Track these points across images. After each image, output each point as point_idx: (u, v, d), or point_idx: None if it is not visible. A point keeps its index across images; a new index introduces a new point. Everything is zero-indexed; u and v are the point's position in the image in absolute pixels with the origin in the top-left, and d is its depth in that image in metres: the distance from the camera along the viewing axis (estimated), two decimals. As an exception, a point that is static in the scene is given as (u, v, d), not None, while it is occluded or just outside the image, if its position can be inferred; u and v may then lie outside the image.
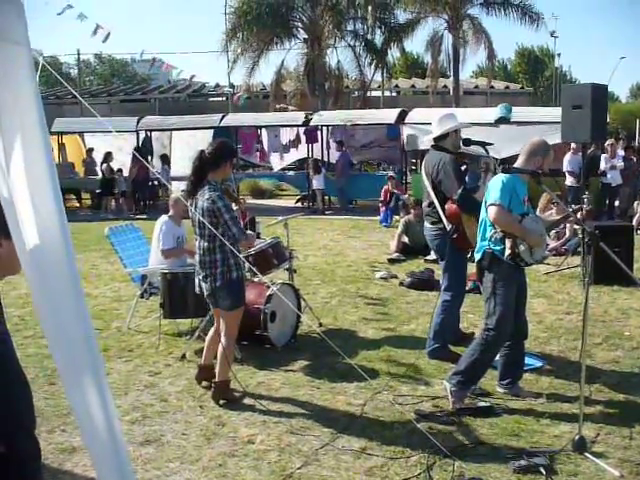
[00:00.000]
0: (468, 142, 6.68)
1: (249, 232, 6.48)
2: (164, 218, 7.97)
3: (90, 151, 24.85)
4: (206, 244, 5.87)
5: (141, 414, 5.76)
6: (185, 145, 25.14)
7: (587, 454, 4.85)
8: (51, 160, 2.03)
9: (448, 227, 6.69)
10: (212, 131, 23.27)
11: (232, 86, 36.79)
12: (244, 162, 28.30)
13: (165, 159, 23.54)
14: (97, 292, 10.03)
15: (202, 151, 5.99)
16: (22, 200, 2.03)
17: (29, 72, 1.94)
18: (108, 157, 22.40)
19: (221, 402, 5.98)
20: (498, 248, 5.59)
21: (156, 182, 23.45)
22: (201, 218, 5.74)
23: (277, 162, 26.40)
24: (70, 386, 2.37)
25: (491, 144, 6.86)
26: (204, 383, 6.33)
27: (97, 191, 22.69)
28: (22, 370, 2.92)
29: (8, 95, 1.95)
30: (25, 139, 1.98)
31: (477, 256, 5.80)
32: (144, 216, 19.73)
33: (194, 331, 7.50)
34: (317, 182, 21.35)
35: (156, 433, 5.41)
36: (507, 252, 5.53)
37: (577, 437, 4.94)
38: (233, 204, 6.43)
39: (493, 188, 5.59)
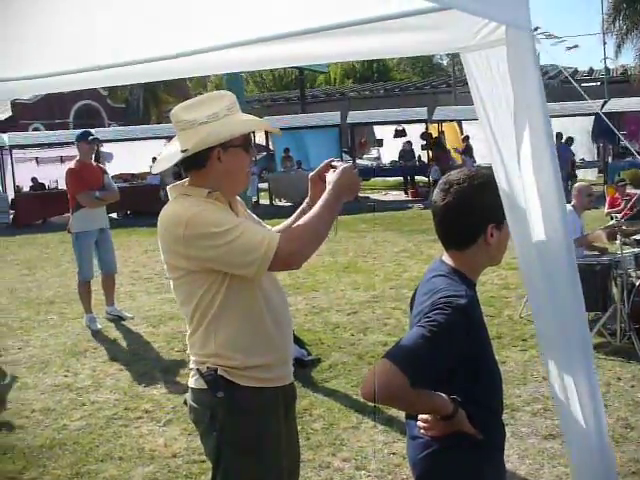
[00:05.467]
0: None
1: None
2: (568, 207, 7.81)
3: (466, 139, 25.20)
4: None
5: (542, 406, 5.69)
6: (564, 132, 24.45)
7: None
8: (553, 147, 2.02)
9: None
10: (592, 117, 22.44)
11: (608, 70, 35.02)
12: (624, 150, 26.83)
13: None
14: (485, 279, 10.09)
15: None
16: (530, 191, 2.05)
17: (533, 57, 1.95)
18: (569, 142, 22.63)
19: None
20: None
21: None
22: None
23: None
24: (559, 388, 2.34)
25: None
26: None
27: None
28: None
29: (519, 80, 1.98)
30: (531, 126, 2.00)
31: None
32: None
33: (593, 324, 7.23)
34: None
35: (560, 427, 5.30)
36: None
37: None
38: None
39: None
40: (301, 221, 2.74)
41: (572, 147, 22.81)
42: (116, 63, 3.14)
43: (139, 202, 21.06)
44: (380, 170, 26.28)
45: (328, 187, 2.74)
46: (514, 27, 1.89)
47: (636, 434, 5.22)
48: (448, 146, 26.06)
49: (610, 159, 23.63)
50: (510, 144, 2.14)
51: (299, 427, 5.42)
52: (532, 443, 5.15)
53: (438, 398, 2.27)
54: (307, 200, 3.08)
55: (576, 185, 8.15)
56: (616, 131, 5.62)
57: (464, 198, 2.33)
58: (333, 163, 2.91)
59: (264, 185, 24.14)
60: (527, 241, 2.19)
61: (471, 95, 2.51)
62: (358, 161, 26.80)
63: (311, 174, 3.04)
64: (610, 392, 5.87)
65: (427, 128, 25.73)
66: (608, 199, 13.94)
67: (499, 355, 6.94)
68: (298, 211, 3.13)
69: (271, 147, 25.88)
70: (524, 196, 2.12)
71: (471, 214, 2.35)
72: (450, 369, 2.24)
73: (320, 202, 2.72)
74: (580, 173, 23.42)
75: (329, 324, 8.44)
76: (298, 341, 7.23)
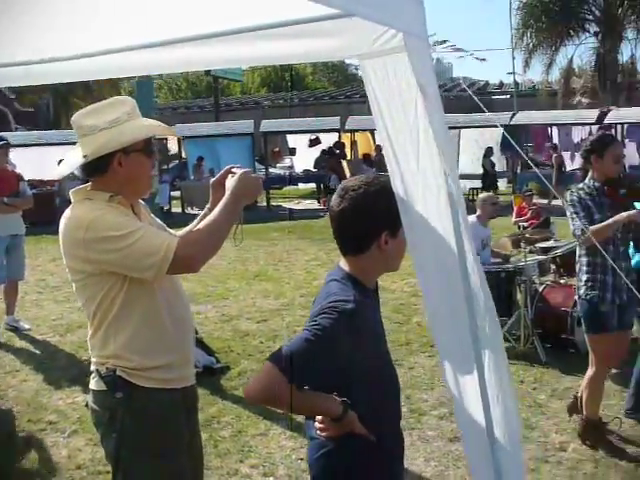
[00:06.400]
0: None
1: None
2: (471, 219, 7.95)
3: (379, 148, 25.47)
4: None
5: (448, 410, 5.79)
6: (474, 143, 25.00)
7: None
8: (454, 153, 2.06)
9: None
10: (501, 129, 23.01)
11: (517, 84, 36.08)
12: (533, 161, 27.63)
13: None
14: (395, 286, 10.24)
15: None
16: (429, 197, 2.09)
17: (430, 63, 2.00)
18: (489, 152, 23.25)
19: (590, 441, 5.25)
20: None
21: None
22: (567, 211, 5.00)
23: (568, 162, 25.42)
24: (454, 384, 2.40)
25: None
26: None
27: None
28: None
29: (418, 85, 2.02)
30: (430, 131, 2.04)
31: None
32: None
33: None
34: None
35: (464, 430, 5.41)
36: None
37: None
38: None
39: None
40: (200, 225, 2.79)
41: (491, 158, 23.36)
42: (11, 62, 3.07)
43: (38, 210, 20.39)
44: (293, 179, 26.36)
45: (227, 192, 2.78)
46: (410, 34, 1.93)
47: (536, 434, 5.39)
48: (360, 155, 26.34)
49: (519, 169, 24.25)
50: (407, 151, 2.18)
51: (207, 435, 5.43)
52: (438, 446, 5.26)
53: (324, 400, 2.31)
54: (208, 206, 3.12)
55: (480, 196, 8.36)
56: (517, 147, 5.74)
57: (358, 204, 2.35)
58: (233, 169, 2.95)
59: (176, 193, 23.88)
60: (422, 247, 2.23)
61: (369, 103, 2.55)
62: (271, 170, 26.80)
63: (212, 180, 3.10)
64: (520, 388, 6.04)
65: (340, 137, 25.96)
66: (515, 209, 14.36)
67: (407, 361, 7.06)
68: (199, 216, 3.16)
69: (184, 155, 25.64)
70: (423, 202, 2.16)
71: (364, 220, 2.37)
72: (340, 372, 2.28)
73: (218, 207, 2.76)
74: (489, 183, 24.02)
75: (239, 332, 8.41)
76: (207, 348, 7.20)
